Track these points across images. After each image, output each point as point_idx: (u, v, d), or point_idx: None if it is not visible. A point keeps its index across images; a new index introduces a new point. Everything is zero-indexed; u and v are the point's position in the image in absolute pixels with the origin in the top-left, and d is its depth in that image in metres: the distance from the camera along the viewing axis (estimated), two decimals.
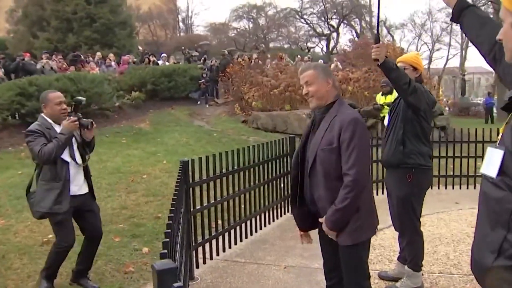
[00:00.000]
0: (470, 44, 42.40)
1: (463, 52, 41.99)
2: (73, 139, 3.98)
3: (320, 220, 2.72)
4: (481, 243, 1.63)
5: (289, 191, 3.10)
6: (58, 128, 3.93)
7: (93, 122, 4.07)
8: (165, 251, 1.85)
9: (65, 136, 3.79)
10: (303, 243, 3.08)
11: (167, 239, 1.96)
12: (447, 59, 44.52)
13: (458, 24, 2.21)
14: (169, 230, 2.08)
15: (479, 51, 2.10)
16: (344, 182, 2.56)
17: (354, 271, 2.75)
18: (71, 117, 3.89)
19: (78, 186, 4.01)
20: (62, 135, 3.79)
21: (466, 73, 35.21)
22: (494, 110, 25.87)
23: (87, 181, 4.14)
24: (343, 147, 2.57)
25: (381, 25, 41.48)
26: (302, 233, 3.04)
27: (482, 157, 7.82)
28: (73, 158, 3.95)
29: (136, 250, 5.03)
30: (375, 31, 3.38)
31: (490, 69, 2.35)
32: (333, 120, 2.64)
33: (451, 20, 2.20)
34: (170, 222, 2.24)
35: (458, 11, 2.17)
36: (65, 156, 3.89)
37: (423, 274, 3.99)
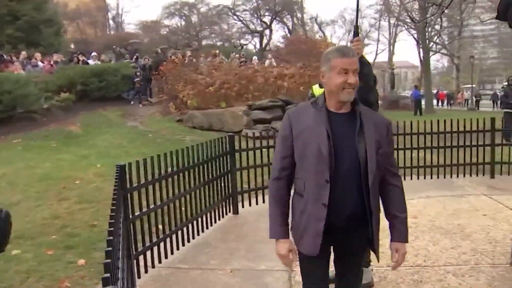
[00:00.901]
0: (397, 39, 44.17)
1: (391, 47, 43.53)
2: None
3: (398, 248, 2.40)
4: None
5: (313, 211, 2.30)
6: None
7: None
8: (108, 275, 1.59)
9: None
10: (292, 268, 2.55)
11: (109, 260, 1.68)
12: (376, 54, 46.14)
13: (506, 22, 2.00)
14: (110, 248, 1.81)
15: None
16: (398, 185, 2.43)
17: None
18: None
19: None
20: None
21: (394, 67, 36.48)
22: (422, 102, 26.90)
23: None
24: (390, 149, 2.43)
25: (312, 22, 42.38)
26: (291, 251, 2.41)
27: (417, 148, 8.08)
28: None
29: (71, 262, 4.69)
30: (354, 24, 3.20)
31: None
32: (374, 119, 2.35)
33: (497, 18, 2.01)
34: (111, 238, 1.97)
35: (505, 7, 1.97)
36: None
37: (372, 270, 3.97)
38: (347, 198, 2.25)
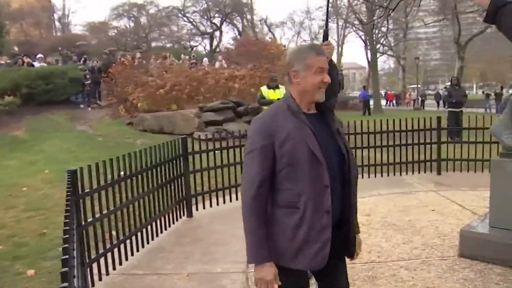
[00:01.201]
0: (345, 40, 45.09)
1: (339, 48, 44.30)
2: None
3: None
4: None
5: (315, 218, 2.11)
6: None
7: None
8: (66, 284, 1.53)
9: None
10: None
11: (66, 268, 1.62)
12: None
13: (495, 25, 1.95)
14: (67, 256, 1.74)
15: None
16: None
17: None
18: None
19: None
20: None
21: (343, 68, 37.17)
22: (371, 102, 27.52)
23: None
24: None
25: (262, 24, 42.65)
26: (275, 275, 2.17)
27: (367, 147, 8.27)
28: None
29: (19, 273, 4.49)
30: (324, 27, 3.15)
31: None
32: (336, 118, 2.32)
33: (485, 20, 1.95)
34: (67, 245, 1.89)
35: (494, 10, 1.91)
36: None
37: None
38: (338, 199, 2.16)
